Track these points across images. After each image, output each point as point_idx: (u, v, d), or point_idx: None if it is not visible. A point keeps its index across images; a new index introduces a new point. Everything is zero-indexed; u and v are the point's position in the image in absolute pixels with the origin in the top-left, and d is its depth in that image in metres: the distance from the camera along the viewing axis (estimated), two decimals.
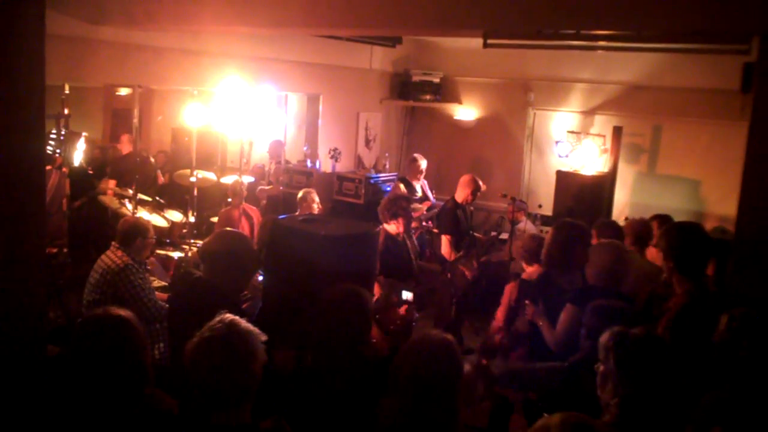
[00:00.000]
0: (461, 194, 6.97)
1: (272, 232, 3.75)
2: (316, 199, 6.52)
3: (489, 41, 4.27)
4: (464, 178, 7.03)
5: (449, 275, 6.27)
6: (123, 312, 2.41)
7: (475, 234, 7.43)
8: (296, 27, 5.67)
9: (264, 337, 2.28)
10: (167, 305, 4.06)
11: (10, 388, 2.54)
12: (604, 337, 2.55)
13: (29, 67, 2.29)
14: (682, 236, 3.40)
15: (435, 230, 7.26)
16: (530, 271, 4.91)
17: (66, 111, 5.53)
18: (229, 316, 2.27)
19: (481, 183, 6.98)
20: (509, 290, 4.89)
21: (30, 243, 2.40)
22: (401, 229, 5.28)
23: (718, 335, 2.75)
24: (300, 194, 6.54)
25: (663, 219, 5.21)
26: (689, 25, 3.44)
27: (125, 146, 8.00)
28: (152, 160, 8.11)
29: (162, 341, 4.37)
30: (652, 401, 2.40)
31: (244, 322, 2.27)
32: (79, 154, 5.63)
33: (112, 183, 7.27)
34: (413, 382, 2.46)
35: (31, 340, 2.59)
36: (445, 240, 6.83)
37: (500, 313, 4.77)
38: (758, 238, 3.43)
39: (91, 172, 7.29)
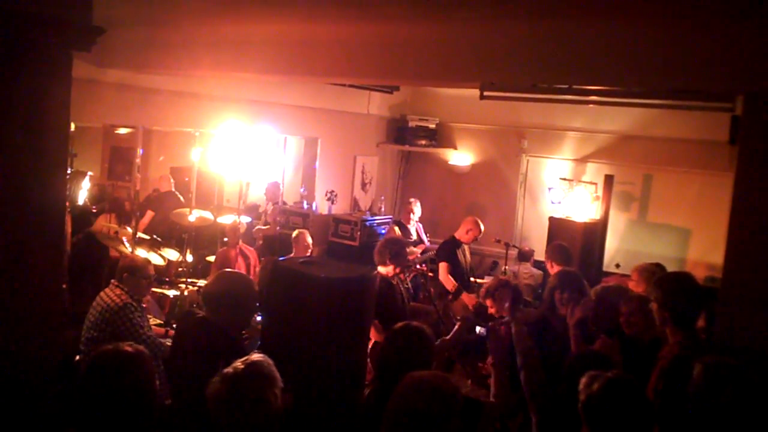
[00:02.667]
0: (461, 232, 7.11)
1: (272, 274, 3.82)
2: (309, 239, 6.67)
3: (485, 93, 4.42)
4: (468, 218, 7.17)
5: (445, 311, 6.41)
6: (138, 347, 2.47)
7: (476, 280, 7.54)
8: (294, 74, 5.81)
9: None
10: (166, 343, 4.11)
11: (23, 417, 2.59)
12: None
13: (55, 111, 2.40)
14: (676, 287, 3.47)
15: (430, 274, 7.34)
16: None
17: (72, 150, 5.62)
18: (253, 359, 2.34)
19: (482, 228, 7.10)
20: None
21: (49, 284, 2.48)
22: (395, 272, 5.35)
23: (691, 385, 2.80)
24: (294, 234, 6.68)
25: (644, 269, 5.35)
26: (676, 84, 3.60)
27: (164, 185, 8.19)
28: (181, 199, 8.18)
29: (158, 379, 4.40)
30: None
31: (264, 360, 2.34)
32: (83, 193, 5.70)
33: (106, 218, 7.36)
34: (408, 420, 2.42)
35: (45, 375, 2.65)
36: (442, 267, 6.92)
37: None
38: (744, 287, 3.51)
39: (94, 210, 7.36)
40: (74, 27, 2.39)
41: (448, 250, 7.08)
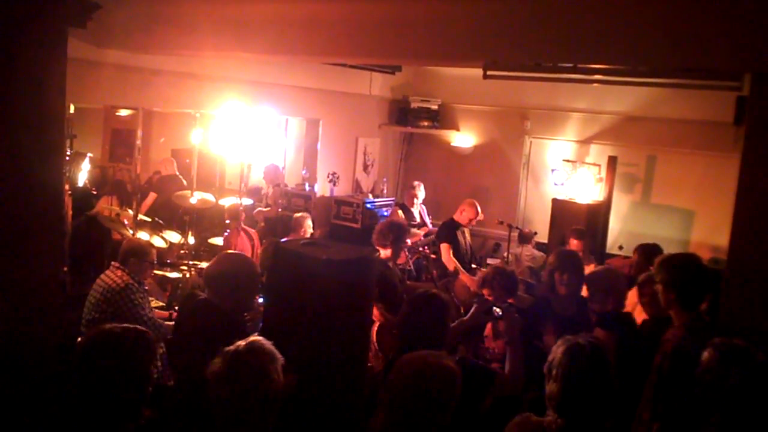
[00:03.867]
0: (458, 214, 7.15)
1: (274, 256, 3.80)
2: (310, 223, 6.68)
3: (488, 72, 4.37)
4: (466, 201, 7.18)
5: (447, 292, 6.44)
6: (137, 327, 2.47)
7: (479, 267, 7.55)
8: (296, 55, 5.77)
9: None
10: (168, 324, 4.10)
11: (22, 400, 2.59)
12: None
13: (52, 88, 2.37)
14: (683, 269, 3.45)
15: (432, 256, 7.35)
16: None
17: (71, 131, 5.60)
18: (253, 338, 2.36)
19: (479, 211, 7.09)
20: None
21: (48, 265, 2.47)
22: (393, 256, 5.33)
23: (700, 368, 2.79)
24: (295, 217, 6.70)
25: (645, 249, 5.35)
26: (682, 62, 3.54)
27: (167, 168, 8.15)
28: (184, 182, 8.15)
29: (160, 360, 4.40)
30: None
31: (267, 343, 2.34)
32: (83, 175, 5.68)
33: (105, 201, 7.35)
34: (407, 401, 2.43)
35: (46, 351, 2.65)
36: (444, 248, 6.95)
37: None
38: (750, 268, 3.49)
39: (94, 192, 7.34)
40: (69, 2, 2.35)
41: (448, 231, 7.11)
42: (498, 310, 3.67)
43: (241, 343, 2.32)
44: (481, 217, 7.43)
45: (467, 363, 3.29)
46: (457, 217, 7.14)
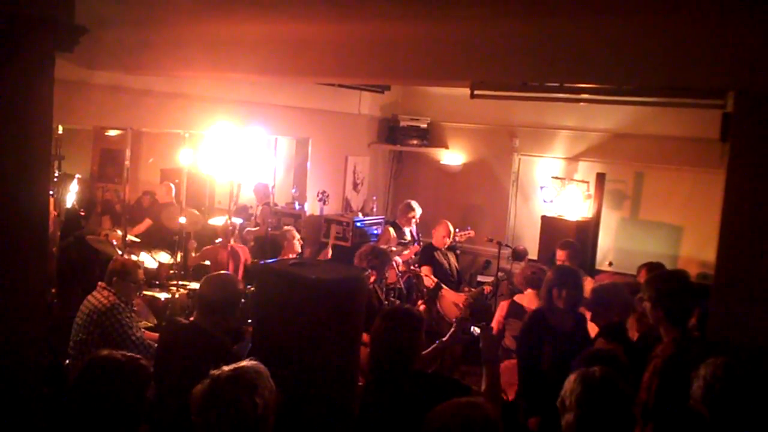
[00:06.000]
0: (434, 238, 7.52)
1: (261, 276, 3.80)
2: (297, 235, 6.70)
3: (476, 92, 4.40)
4: (437, 223, 7.56)
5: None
6: (131, 356, 2.46)
7: (470, 289, 7.62)
8: (286, 75, 5.79)
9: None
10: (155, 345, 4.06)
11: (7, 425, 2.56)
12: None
13: (38, 111, 2.37)
14: (669, 286, 3.48)
15: (423, 275, 7.43)
16: (525, 294, 5.51)
17: (60, 152, 5.59)
18: (238, 365, 2.34)
19: (452, 229, 7.51)
20: (501, 307, 5.68)
21: (33, 284, 2.45)
22: (373, 279, 5.35)
23: (696, 385, 2.80)
24: (282, 231, 6.75)
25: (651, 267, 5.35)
26: (665, 80, 3.58)
27: (164, 195, 8.01)
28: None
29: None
30: None
31: (252, 367, 2.34)
32: (71, 196, 5.66)
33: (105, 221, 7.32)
34: None
35: (29, 377, 2.62)
36: (423, 270, 7.23)
37: (494, 326, 5.34)
38: (737, 283, 3.51)
39: (83, 213, 7.31)
40: (56, 27, 2.36)
41: (425, 254, 7.55)
42: (476, 329, 3.69)
43: (226, 368, 2.30)
44: (471, 234, 7.49)
45: (440, 378, 3.30)
46: (434, 240, 7.48)
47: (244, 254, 6.82)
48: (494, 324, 5.48)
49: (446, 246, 7.48)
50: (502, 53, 3.94)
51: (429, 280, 7.08)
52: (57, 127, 5.68)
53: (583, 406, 2.42)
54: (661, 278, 3.58)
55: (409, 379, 3.03)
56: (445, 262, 7.32)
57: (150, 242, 7.07)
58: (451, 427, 2.21)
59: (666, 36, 3.51)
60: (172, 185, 8.07)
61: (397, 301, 6.53)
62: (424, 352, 3.57)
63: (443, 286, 7.08)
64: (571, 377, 2.53)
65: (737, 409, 2.69)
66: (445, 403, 2.34)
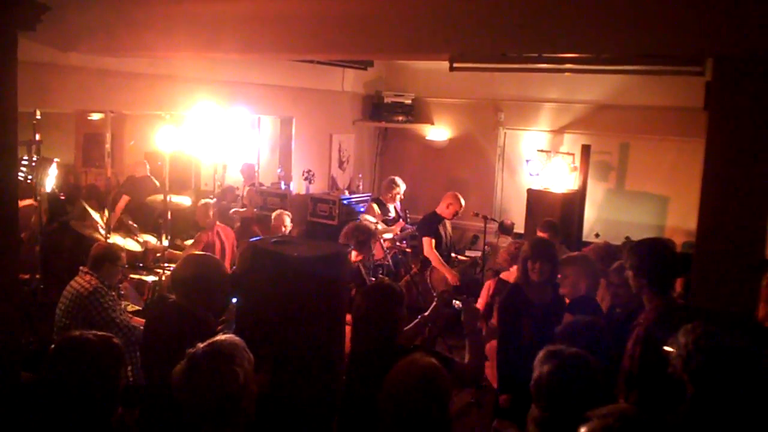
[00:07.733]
0: (442, 207, 7.13)
1: (243, 254, 3.78)
2: (288, 220, 6.65)
3: (455, 65, 4.37)
4: (448, 193, 7.17)
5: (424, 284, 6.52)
6: (103, 334, 2.45)
7: (457, 256, 7.58)
8: (266, 53, 5.73)
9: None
10: (141, 328, 4.06)
11: None
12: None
13: (3, 95, 2.32)
14: (652, 253, 3.48)
15: (408, 250, 7.36)
16: (511, 271, 5.42)
17: (38, 137, 5.52)
18: (214, 340, 2.33)
19: (463, 204, 7.10)
20: (487, 286, 5.63)
21: (3, 271, 2.42)
22: (358, 258, 5.33)
23: (675, 352, 2.81)
24: (273, 215, 6.68)
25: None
26: (643, 48, 3.57)
27: (139, 170, 8.08)
28: (157, 183, 8.07)
29: (132, 364, 4.36)
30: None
31: (227, 340, 2.33)
32: (51, 180, 5.60)
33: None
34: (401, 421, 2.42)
35: (5, 366, 2.60)
36: (426, 242, 6.93)
37: (479, 306, 5.16)
38: (718, 251, 3.53)
39: (62, 197, 7.25)
40: (16, 4, 2.31)
41: (430, 225, 7.08)
42: (458, 302, 3.71)
43: (200, 345, 2.30)
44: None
45: (424, 350, 3.31)
46: (440, 210, 7.11)
47: (230, 237, 6.81)
48: (481, 303, 5.43)
49: (452, 217, 7.26)
50: (479, 25, 3.92)
51: (432, 255, 6.83)
52: (35, 112, 5.59)
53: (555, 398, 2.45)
54: (644, 246, 3.59)
55: (392, 355, 3.04)
56: (444, 234, 7.17)
57: (135, 224, 7.02)
58: (398, 382, 2.46)
59: (643, 3, 3.49)
60: (146, 161, 8.11)
61: (386, 278, 6.50)
62: (406, 328, 3.60)
63: (443, 263, 6.96)
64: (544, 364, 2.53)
65: (718, 377, 2.69)
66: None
